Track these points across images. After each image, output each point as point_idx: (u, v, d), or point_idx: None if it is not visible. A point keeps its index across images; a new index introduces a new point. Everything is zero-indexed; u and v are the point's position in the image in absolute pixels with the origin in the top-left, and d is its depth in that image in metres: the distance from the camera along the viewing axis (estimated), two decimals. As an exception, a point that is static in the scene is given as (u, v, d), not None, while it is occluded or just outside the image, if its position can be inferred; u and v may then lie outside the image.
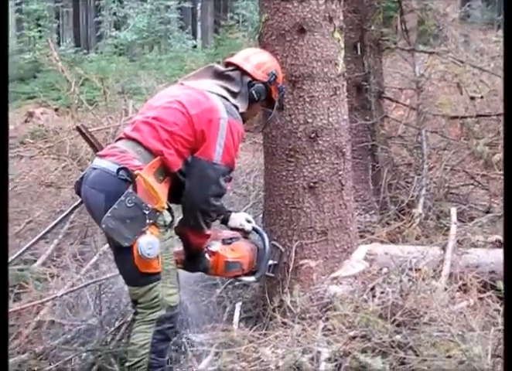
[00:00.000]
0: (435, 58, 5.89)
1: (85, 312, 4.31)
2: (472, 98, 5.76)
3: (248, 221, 3.93)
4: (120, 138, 3.49)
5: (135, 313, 3.43)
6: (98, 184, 3.32)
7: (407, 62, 6.07)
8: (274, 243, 4.11)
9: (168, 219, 3.34)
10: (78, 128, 4.32)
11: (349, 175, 4.31)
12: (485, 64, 6.45)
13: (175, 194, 3.43)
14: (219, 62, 13.13)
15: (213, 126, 3.36)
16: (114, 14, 26.32)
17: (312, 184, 4.13)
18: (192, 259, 3.63)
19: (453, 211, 4.71)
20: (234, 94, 3.57)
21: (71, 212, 4.13)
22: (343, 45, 4.21)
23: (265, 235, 3.98)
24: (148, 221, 3.22)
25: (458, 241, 4.50)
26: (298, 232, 4.17)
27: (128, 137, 3.42)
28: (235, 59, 3.73)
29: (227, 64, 3.75)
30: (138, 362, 3.32)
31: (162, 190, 3.29)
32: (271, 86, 3.67)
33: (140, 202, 3.19)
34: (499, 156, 5.21)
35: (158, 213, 3.25)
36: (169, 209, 3.36)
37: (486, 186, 5.51)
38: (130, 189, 3.19)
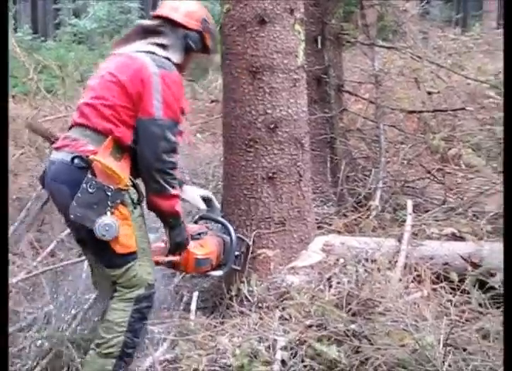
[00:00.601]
0: (394, 53, 5.96)
1: (41, 299, 4.28)
2: (430, 93, 5.85)
3: (204, 199, 3.94)
4: (70, 126, 3.46)
5: (114, 291, 3.39)
6: (59, 176, 3.30)
7: (367, 57, 6.13)
8: (240, 235, 4.12)
9: (135, 196, 3.33)
10: (28, 125, 4.28)
11: (307, 167, 4.35)
12: (442, 61, 6.55)
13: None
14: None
15: (145, 84, 3.29)
16: (74, 1, 26.01)
17: (270, 174, 4.15)
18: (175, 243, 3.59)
19: (409, 203, 4.77)
20: (165, 47, 3.48)
21: (41, 208, 4.08)
22: (303, 38, 4.24)
23: (231, 227, 4.00)
24: (110, 203, 3.19)
25: (413, 233, 4.57)
26: (256, 222, 4.19)
27: (77, 124, 3.39)
28: (163, 11, 3.61)
29: (155, 17, 3.63)
30: (112, 339, 3.31)
31: (122, 168, 3.26)
32: (205, 33, 3.60)
33: (101, 185, 3.17)
34: (454, 150, 5.30)
35: (123, 192, 3.24)
36: (135, 186, 3.35)
37: (442, 180, 5.58)
38: (89, 175, 3.17)
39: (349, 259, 4.12)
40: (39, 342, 3.99)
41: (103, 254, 3.33)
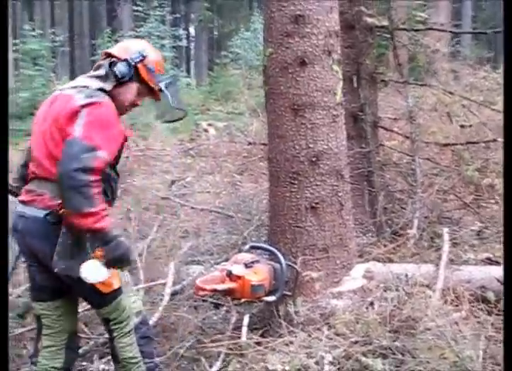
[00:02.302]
0: (427, 90, 6.24)
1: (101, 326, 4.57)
2: (462, 126, 6.12)
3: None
4: (31, 178, 3.46)
5: (110, 332, 3.55)
6: (36, 233, 3.34)
7: (400, 95, 6.42)
8: (289, 262, 4.36)
9: None
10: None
11: (348, 197, 4.62)
12: (475, 97, 6.80)
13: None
14: (215, 100, 13.40)
15: (73, 117, 3.26)
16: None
17: (313, 204, 4.43)
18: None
19: (445, 231, 5.02)
20: (100, 77, 3.50)
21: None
22: (341, 77, 4.55)
23: (281, 256, 4.28)
24: (90, 248, 3.24)
25: (450, 259, 4.80)
26: (301, 249, 4.46)
27: (36, 176, 3.42)
28: (111, 48, 3.70)
29: (104, 54, 3.69)
30: None
31: None
32: (137, 64, 3.55)
33: (77, 235, 3.24)
34: (488, 181, 5.54)
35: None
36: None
37: (477, 210, 5.82)
38: (63, 229, 3.24)
39: (390, 282, 4.36)
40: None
41: (92, 296, 3.45)
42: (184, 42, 29.03)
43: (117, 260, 3.29)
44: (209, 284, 4.02)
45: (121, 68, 3.51)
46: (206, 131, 14.79)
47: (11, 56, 23.95)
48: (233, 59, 27.24)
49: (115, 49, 3.64)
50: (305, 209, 4.44)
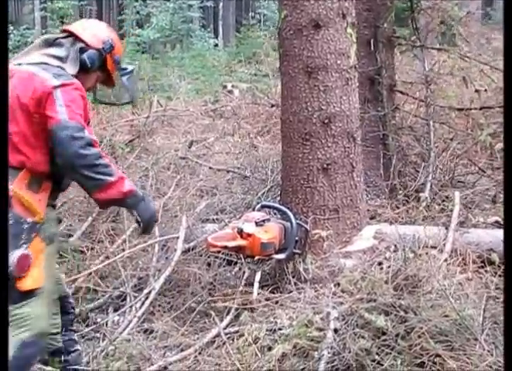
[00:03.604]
0: (444, 54, 6.25)
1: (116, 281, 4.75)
2: (477, 91, 6.14)
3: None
4: None
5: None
6: None
7: (417, 59, 6.44)
8: (299, 221, 4.48)
9: (51, 230, 3.28)
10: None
11: (359, 159, 4.70)
12: (496, 61, 6.77)
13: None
14: (240, 61, 13.38)
15: (47, 99, 3.13)
16: (138, 12, 26.68)
17: (325, 165, 4.52)
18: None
19: (456, 194, 5.08)
20: (60, 58, 3.35)
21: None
22: (355, 40, 4.60)
23: (291, 214, 4.40)
24: (24, 235, 3.12)
25: (460, 222, 4.88)
26: (312, 209, 4.56)
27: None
28: (72, 27, 3.54)
29: (63, 31, 3.54)
30: None
31: (39, 201, 3.19)
32: (106, 54, 3.50)
33: (18, 217, 3.11)
34: (500, 145, 5.57)
35: (38, 225, 3.17)
36: (55, 220, 3.34)
37: (490, 174, 5.88)
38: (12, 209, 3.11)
39: (400, 243, 4.46)
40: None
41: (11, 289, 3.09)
42: (211, 3, 28.83)
43: (149, 221, 3.32)
44: (221, 241, 4.15)
45: (92, 57, 3.44)
46: (230, 92, 14.83)
47: (38, 14, 24.08)
48: (260, 21, 27.11)
49: (82, 32, 3.48)
50: (316, 170, 4.54)
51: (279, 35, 4.61)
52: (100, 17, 31.98)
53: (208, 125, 9.99)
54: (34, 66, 3.28)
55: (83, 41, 3.45)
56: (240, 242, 4.16)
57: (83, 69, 3.41)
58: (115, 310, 4.56)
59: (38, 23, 25.22)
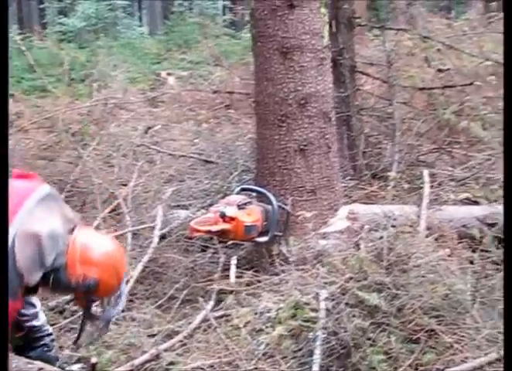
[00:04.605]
0: (402, 35, 6.31)
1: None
2: (440, 70, 6.22)
3: None
4: None
5: None
6: None
7: (378, 39, 6.48)
8: (280, 204, 4.45)
9: None
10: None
11: (334, 139, 4.71)
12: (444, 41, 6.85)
13: None
14: (171, 49, 13.19)
15: None
16: (60, 0, 26.10)
17: (302, 146, 4.50)
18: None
19: (425, 173, 5.15)
20: None
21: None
22: (327, 20, 4.59)
23: (272, 197, 4.36)
24: None
25: (431, 200, 4.93)
26: (289, 191, 4.54)
27: None
28: None
29: None
30: None
31: None
32: None
33: None
34: (464, 124, 5.66)
35: None
36: None
37: (451, 152, 5.97)
38: None
39: (377, 222, 4.48)
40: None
41: None
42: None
43: None
44: (204, 226, 4.09)
45: None
46: (165, 79, 14.64)
47: None
48: (190, 8, 26.82)
49: None
50: (293, 152, 4.51)
51: (252, 15, 4.56)
52: (19, 5, 31.10)
53: (152, 113, 9.84)
54: None
55: None
56: (223, 226, 4.11)
57: None
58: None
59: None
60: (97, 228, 4.86)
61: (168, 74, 15.39)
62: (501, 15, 7.42)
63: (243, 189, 4.57)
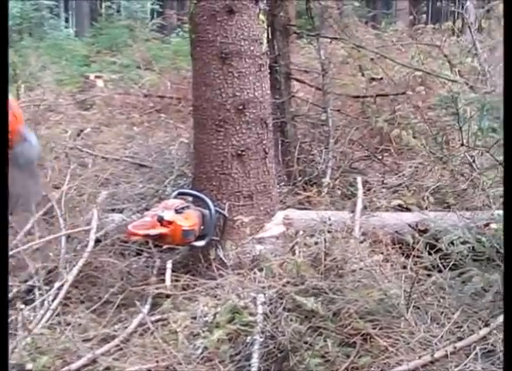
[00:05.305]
0: (337, 43, 6.41)
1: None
2: (373, 79, 6.35)
3: None
4: None
5: None
6: None
7: (312, 47, 6.56)
8: (217, 208, 4.46)
9: None
10: None
11: (271, 145, 4.74)
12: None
13: None
14: (99, 52, 13.03)
15: None
16: (-17, -1, 25.53)
17: (239, 152, 4.51)
18: None
19: (359, 180, 5.24)
20: None
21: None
22: (266, 26, 4.63)
23: (210, 201, 4.37)
24: None
25: (364, 206, 5.02)
26: (226, 196, 4.55)
27: None
28: None
29: None
30: None
31: None
32: None
33: None
34: (396, 132, 5.79)
35: None
36: None
37: (382, 160, 6.10)
38: None
39: (312, 228, 4.54)
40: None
41: None
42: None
43: None
44: (141, 230, 4.07)
45: None
46: (93, 82, 14.46)
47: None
48: (117, 10, 26.50)
49: None
50: (231, 157, 4.52)
51: (191, 20, 4.55)
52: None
53: (82, 116, 9.72)
54: None
55: None
56: (161, 230, 4.09)
57: None
58: (25, 304, 4.34)
59: None
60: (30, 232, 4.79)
61: (97, 77, 15.20)
62: (428, 26, 7.67)
63: (180, 193, 4.57)
